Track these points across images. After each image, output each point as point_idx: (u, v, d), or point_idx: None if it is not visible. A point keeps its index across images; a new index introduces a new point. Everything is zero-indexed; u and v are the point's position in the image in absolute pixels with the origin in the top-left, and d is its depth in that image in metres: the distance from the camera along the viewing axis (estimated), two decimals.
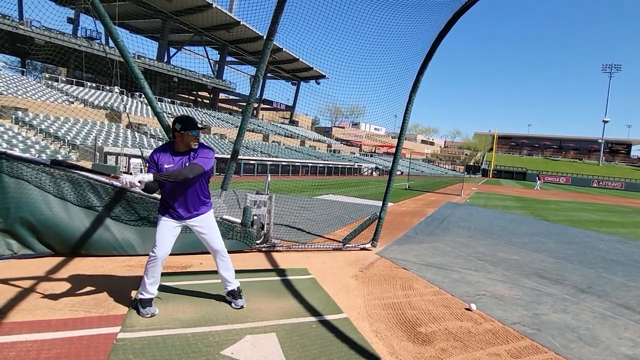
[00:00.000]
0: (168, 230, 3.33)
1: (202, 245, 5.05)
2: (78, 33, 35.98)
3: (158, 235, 3.30)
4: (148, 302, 3.28)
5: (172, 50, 45.73)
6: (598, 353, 3.18)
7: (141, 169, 19.62)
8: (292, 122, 60.89)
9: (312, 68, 45.89)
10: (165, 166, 3.17)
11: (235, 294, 3.59)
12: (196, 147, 3.26)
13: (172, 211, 3.31)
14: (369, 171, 47.53)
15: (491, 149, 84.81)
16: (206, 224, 3.48)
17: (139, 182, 2.91)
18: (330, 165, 39.44)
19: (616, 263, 6.61)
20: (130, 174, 3.00)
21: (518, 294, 4.54)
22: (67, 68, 35.30)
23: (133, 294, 3.64)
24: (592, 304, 4.40)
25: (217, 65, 48.17)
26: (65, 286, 3.73)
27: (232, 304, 3.57)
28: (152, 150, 3.28)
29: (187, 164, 3.18)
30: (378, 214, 6.54)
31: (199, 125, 3.26)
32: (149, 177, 2.96)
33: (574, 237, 9.28)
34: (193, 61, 48.68)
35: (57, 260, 4.44)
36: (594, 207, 19.97)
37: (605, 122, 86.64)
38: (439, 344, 3.16)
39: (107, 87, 33.61)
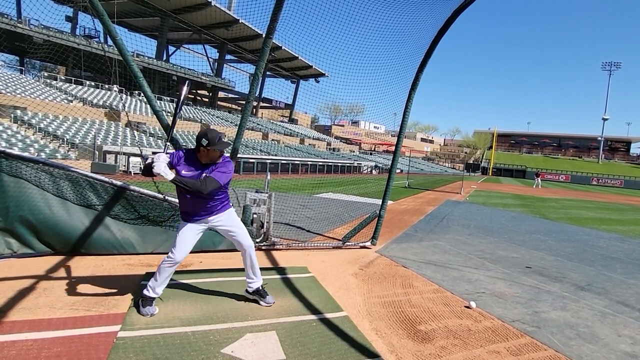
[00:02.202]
0: (191, 234, 3.32)
1: (202, 244, 5.08)
2: (77, 31, 35.87)
3: (179, 239, 3.28)
4: (150, 302, 3.27)
5: (171, 49, 45.61)
6: (597, 350, 3.18)
7: (140, 167, 19.60)
8: (292, 121, 60.81)
9: (312, 66, 45.78)
10: (183, 172, 3.14)
11: (261, 292, 3.61)
12: (220, 160, 3.27)
13: (194, 215, 3.30)
14: (369, 169, 47.52)
15: (491, 147, 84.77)
16: (232, 222, 3.48)
17: (159, 172, 2.96)
18: (330, 164, 39.39)
19: (615, 260, 6.62)
20: (152, 166, 3.01)
21: (518, 292, 4.55)
22: (66, 67, 35.18)
23: (133, 292, 3.64)
24: (592, 301, 4.41)
25: (216, 63, 48.04)
26: (65, 285, 3.73)
27: (262, 302, 3.58)
28: (176, 150, 3.30)
29: (203, 176, 3.14)
30: (378, 212, 6.54)
31: (224, 141, 3.22)
32: (171, 176, 2.97)
33: (574, 234, 9.30)
34: (192, 59, 48.69)
35: (56, 259, 4.44)
36: (593, 204, 20.00)
37: (604, 119, 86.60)
38: (439, 341, 3.16)
39: (106, 86, 33.55)
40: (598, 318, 3.90)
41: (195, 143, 3.19)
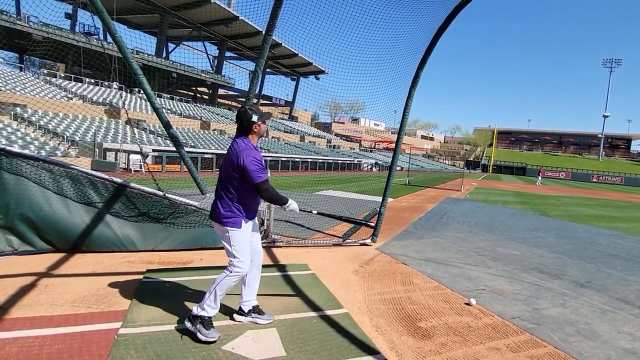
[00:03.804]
0: (249, 235, 3.00)
1: (203, 241, 5.09)
2: (76, 29, 35.72)
3: (243, 244, 2.91)
4: (211, 322, 2.88)
5: (171, 46, 45.46)
6: (597, 347, 3.19)
7: (140, 165, 19.59)
8: (292, 118, 60.76)
9: (312, 63, 45.66)
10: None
11: (259, 310, 3.25)
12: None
13: (253, 212, 3.04)
14: (369, 167, 47.51)
15: (491, 144, 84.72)
16: (256, 227, 3.21)
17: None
18: (330, 161, 39.41)
19: (615, 257, 6.62)
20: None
21: (517, 289, 4.56)
22: (66, 64, 35.18)
23: (134, 289, 3.65)
24: (592, 298, 4.41)
25: (216, 60, 47.94)
26: (66, 282, 3.74)
27: (261, 321, 3.17)
28: (253, 152, 2.85)
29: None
30: (378, 209, 6.54)
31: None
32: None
33: (574, 232, 9.30)
34: (192, 57, 48.50)
35: (57, 256, 4.45)
36: (593, 202, 20.00)
37: (605, 116, 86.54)
38: (439, 338, 3.17)
39: (106, 83, 33.50)
40: (598, 315, 3.91)
41: (242, 127, 2.91)
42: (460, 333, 3.29)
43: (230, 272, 2.87)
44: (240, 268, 2.88)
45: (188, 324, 2.86)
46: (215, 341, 2.78)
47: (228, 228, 2.87)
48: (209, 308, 2.85)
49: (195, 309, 2.87)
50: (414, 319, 3.53)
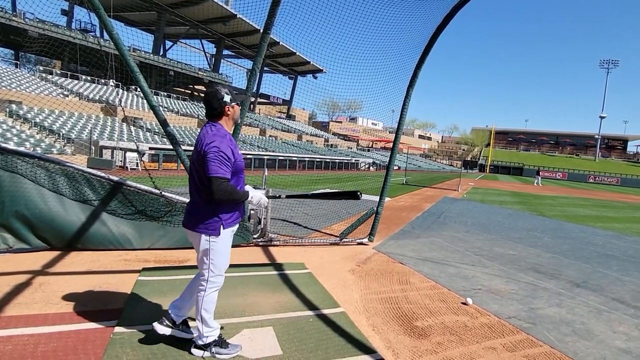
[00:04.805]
0: (230, 245, 2.62)
1: None
2: (72, 25, 35.49)
3: (222, 257, 2.51)
4: (223, 340, 2.65)
5: (168, 44, 45.28)
6: (592, 347, 3.21)
7: (137, 163, 19.51)
8: (289, 117, 60.65)
9: (310, 62, 45.51)
10: (237, 153, 2.52)
11: (187, 323, 2.78)
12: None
13: (239, 212, 2.66)
14: (366, 166, 47.54)
15: (488, 144, 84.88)
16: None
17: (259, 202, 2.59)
18: (328, 160, 39.38)
19: (611, 258, 6.66)
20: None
21: (514, 289, 4.57)
22: (62, 61, 34.89)
23: (130, 288, 3.63)
24: (587, 298, 4.44)
25: (213, 58, 47.78)
26: (62, 280, 3.72)
27: (186, 335, 2.73)
28: (219, 140, 2.38)
29: None
30: (375, 208, 6.55)
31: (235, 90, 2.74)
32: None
33: (570, 232, 9.34)
34: (189, 54, 48.31)
35: (53, 254, 4.42)
36: (589, 202, 20.10)
37: (602, 117, 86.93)
38: (435, 337, 3.18)
39: (102, 81, 33.30)
40: (593, 315, 3.93)
41: (213, 110, 2.53)
42: (456, 332, 3.30)
43: (205, 290, 2.50)
44: (215, 283, 2.53)
45: (199, 352, 2.56)
46: (238, 353, 2.63)
47: (204, 236, 2.43)
48: (210, 333, 2.57)
49: (200, 341, 2.58)
50: (410, 318, 3.53)
